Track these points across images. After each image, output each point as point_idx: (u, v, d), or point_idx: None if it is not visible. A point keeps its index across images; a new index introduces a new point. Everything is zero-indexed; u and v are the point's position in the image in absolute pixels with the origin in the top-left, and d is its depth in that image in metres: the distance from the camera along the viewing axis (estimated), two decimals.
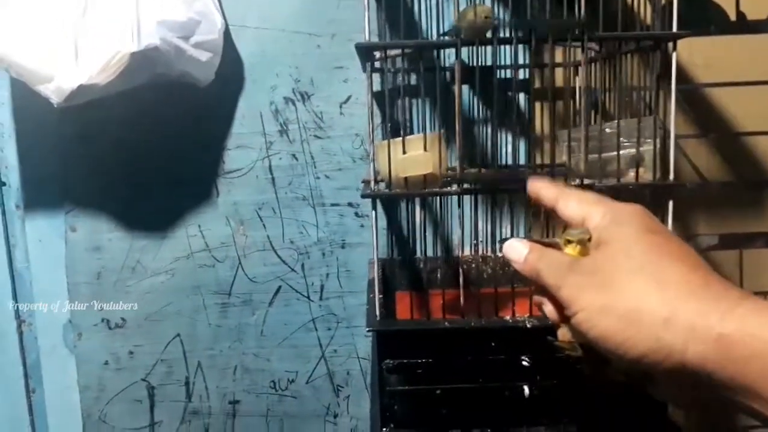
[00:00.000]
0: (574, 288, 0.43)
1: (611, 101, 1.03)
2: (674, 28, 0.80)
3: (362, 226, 1.24)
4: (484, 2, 1.03)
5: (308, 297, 1.25)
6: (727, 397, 0.38)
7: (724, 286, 0.40)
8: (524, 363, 0.76)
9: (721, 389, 0.38)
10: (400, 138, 0.76)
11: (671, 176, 0.81)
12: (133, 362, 1.25)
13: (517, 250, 0.49)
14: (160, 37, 0.95)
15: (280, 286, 1.24)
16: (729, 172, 1.20)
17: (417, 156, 0.75)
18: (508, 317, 0.79)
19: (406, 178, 0.76)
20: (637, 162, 0.78)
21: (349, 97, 1.20)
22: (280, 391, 1.26)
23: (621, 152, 0.77)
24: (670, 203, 0.81)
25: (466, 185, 0.78)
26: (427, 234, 1.17)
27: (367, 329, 0.77)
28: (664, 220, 0.81)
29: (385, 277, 1.11)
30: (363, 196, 0.79)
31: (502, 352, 0.77)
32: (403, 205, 1.17)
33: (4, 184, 1.20)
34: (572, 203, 0.49)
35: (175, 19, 0.98)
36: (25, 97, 1.13)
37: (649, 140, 0.81)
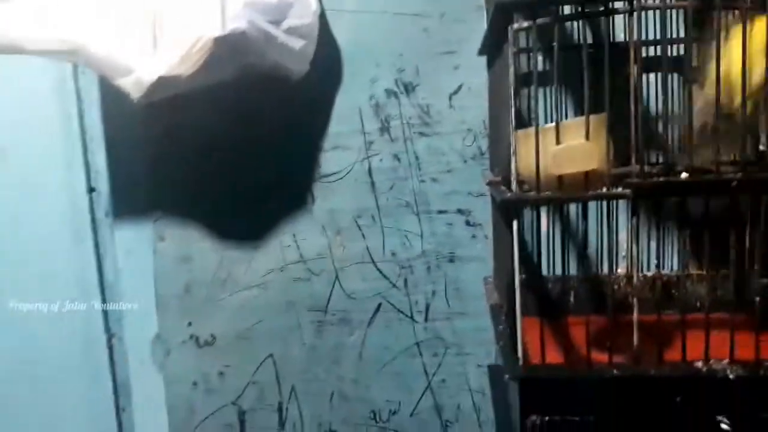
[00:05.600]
0: None
1: None
2: None
3: (474, 236, 1.07)
4: None
5: (412, 317, 1.09)
6: None
7: None
8: (723, 426, 0.56)
9: None
10: (552, 124, 0.58)
11: None
12: (223, 384, 1.14)
13: None
14: (247, 21, 0.83)
15: (380, 304, 1.10)
16: None
17: (577, 147, 0.57)
18: (699, 363, 0.59)
19: (560, 177, 0.58)
20: None
21: (460, 87, 1.03)
22: (381, 423, 1.11)
23: None
24: None
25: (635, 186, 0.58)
26: (557, 246, 0.98)
27: (508, 377, 0.60)
28: None
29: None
30: (503, 203, 0.62)
31: (690, 410, 0.57)
32: (527, 210, 0.99)
33: (93, 189, 1.14)
34: None
35: (265, 1, 0.86)
36: (114, 98, 1.05)
37: None
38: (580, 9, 0.63)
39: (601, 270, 0.96)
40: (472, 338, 1.07)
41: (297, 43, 0.93)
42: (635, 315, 0.59)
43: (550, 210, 0.96)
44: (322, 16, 0.99)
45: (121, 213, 1.14)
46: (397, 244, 1.08)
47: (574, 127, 0.58)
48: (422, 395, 1.10)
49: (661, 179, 0.58)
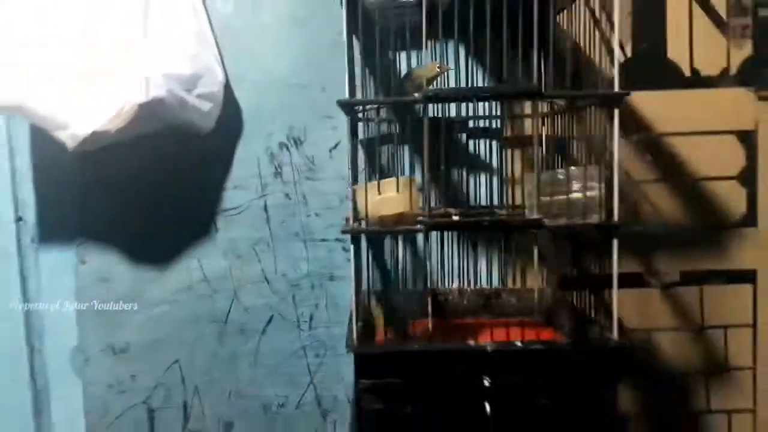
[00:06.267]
0: None
1: (575, 149, 1.13)
2: (617, 89, 0.91)
3: (349, 260, 1.33)
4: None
5: (299, 326, 1.34)
6: None
7: None
8: (485, 383, 0.85)
9: None
10: (376, 181, 0.87)
11: (615, 218, 0.90)
12: (134, 386, 1.34)
13: None
14: (166, 90, 1.07)
15: (272, 316, 1.34)
16: (689, 213, 1.29)
17: (390, 197, 0.86)
18: (471, 342, 0.89)
19: (381, 217, 0.87)
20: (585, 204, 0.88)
21: (337, 144, 1.31)
22: (272, 414, 1.35)
23: (571, 195, 0.88)
24: (615, 242, 0.91)
25: (427, 222, 0.88)
26: (407, 268, 1.27)
27: (347, 350, 0.87)
28: (610, 258, 0.91)
29: (367, 309, 1.20)
30: (343, 232, 0.90)
31: (467, 373, 0.86)
32: (387, 241, 1.27)
33: (21, 219, 1.31)
34: None
35: (180, 73, 1.11)
36: (45, 143, 1.24)
37: (596, 185, 0.92)
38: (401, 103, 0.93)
39: (438, 285, 1.26)
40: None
41: (206, 106, 1.18)
42: (429, 312, 0.88)
43: (399, 239, 1.25)
44: (227, 85, 1.24)
45: (46, 240, 1.32)
46: (287, 267, 1.33)
47: (390, 183, 0.87)
48: (306, 390, 1.34)
49: (440, 219, 0.88)
